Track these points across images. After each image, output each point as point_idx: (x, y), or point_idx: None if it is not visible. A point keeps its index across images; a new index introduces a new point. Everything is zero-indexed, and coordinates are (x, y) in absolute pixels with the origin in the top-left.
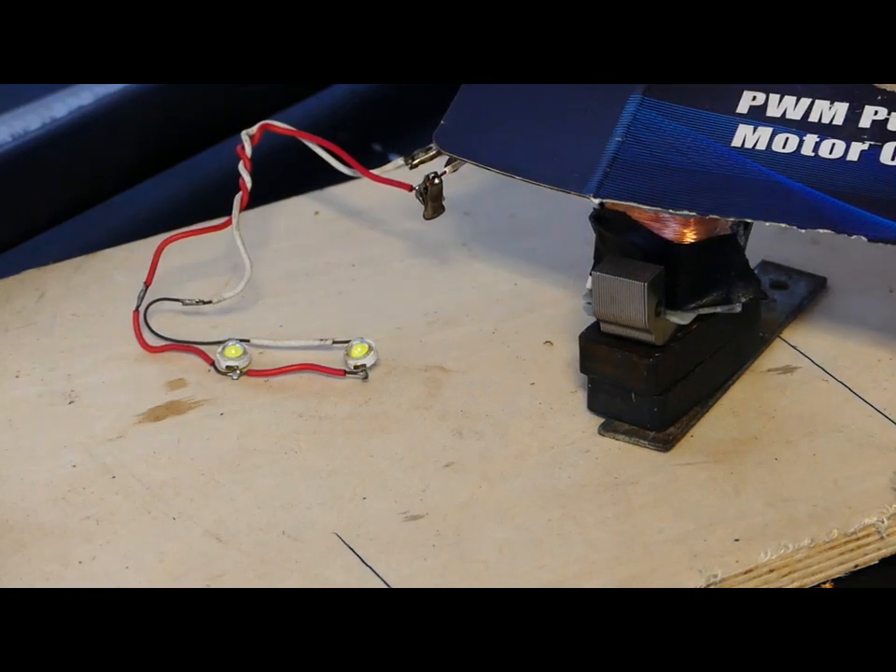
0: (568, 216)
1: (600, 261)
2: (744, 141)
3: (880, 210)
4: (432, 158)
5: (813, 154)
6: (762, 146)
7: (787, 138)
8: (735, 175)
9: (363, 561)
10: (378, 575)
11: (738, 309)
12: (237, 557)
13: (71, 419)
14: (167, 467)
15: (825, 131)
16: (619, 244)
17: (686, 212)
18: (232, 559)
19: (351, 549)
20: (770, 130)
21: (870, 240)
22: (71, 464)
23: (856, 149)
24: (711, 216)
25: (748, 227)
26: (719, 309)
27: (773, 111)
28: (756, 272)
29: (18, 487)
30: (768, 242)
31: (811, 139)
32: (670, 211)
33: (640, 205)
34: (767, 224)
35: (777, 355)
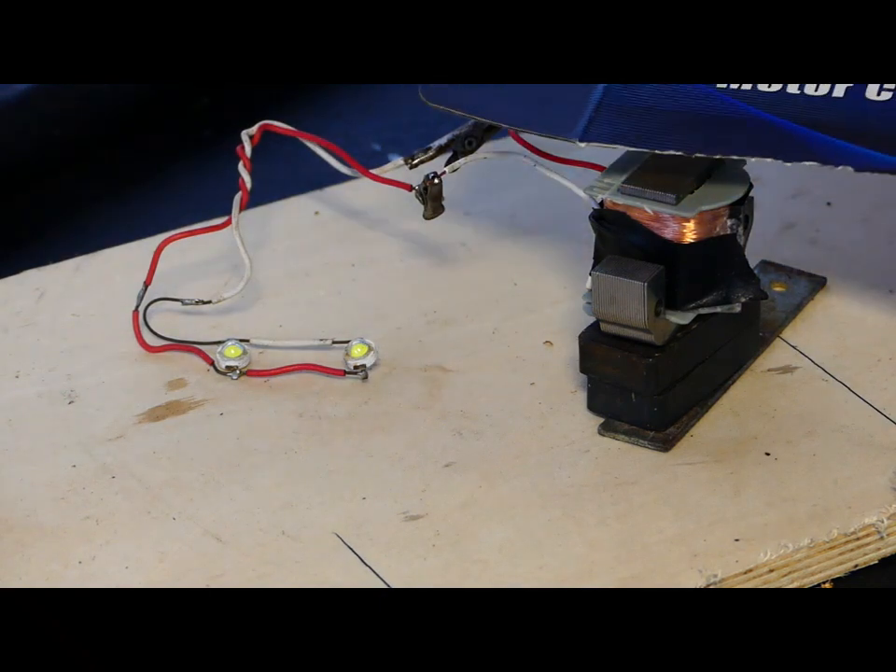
0: (568, 216)
1: (600, 261)
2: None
3: (866, 142)
4: (432, 158)
5: (798, 91)
6: (747, 86)
7: None
8: (720, 115)
9: (363, 561)
10: (378, 575)
11: (738, 309)
12: (237, 557)
13: (71, 419)
14: (167, 467)
15: None
16: (619, 243)
17: (672, 151)
18: (232, 559)
19: (351, 549)
20: None
21: (856, 170)
22: (71, 464)
23: (841, 86)
24: (698, 154)
25: (747, 227)
26: (718, 309)
27: None
28: (756, 272)
29: (18, 487)
30: (768, 242)
31: None
32: (656, 151)
33: (627, 147)
34: (754, 160)
35: (776, 355)
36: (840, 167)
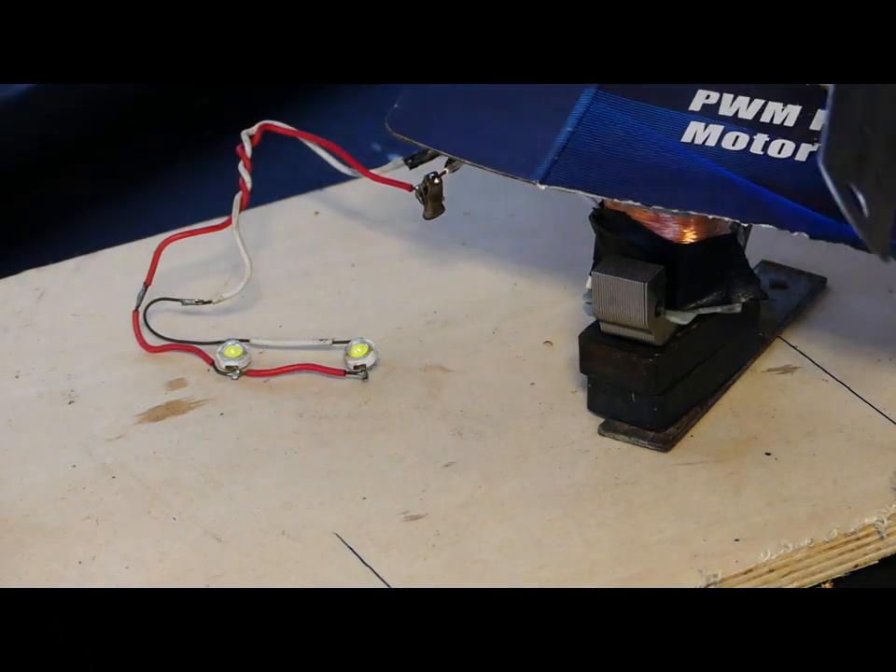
0: (568, 216)
1: (600, 261)
2: (694, 137)
3: (824, 209)
4: (432, 158)
5: (762, 153)
6: (711, 142)
7: (737, 136)
8: (681, 169)
9: (363, 561)
10: (378, 575)
11: (738, 309)
12: (237, 557)
13: (71, 419)
14: (167, 467)
15: (776, 131)
16: (619, 243)
17: (630, 202)
18: (232, 559)
19: (351, 549)
20: (721, 128)
21: (811, 237)
22: (71, 464)
23: (805, 150)
24: (655, 207)
25: (748, 227)
26: (719, 309)
27: (725, 110)
28: (756, 272)
29: (18, 487)
30: (768, 242)
31: (761, 138)
32: (614, 200)
33: (584, 193)
34: (711, 217)
35: (776, 355)
36: (796, 233)
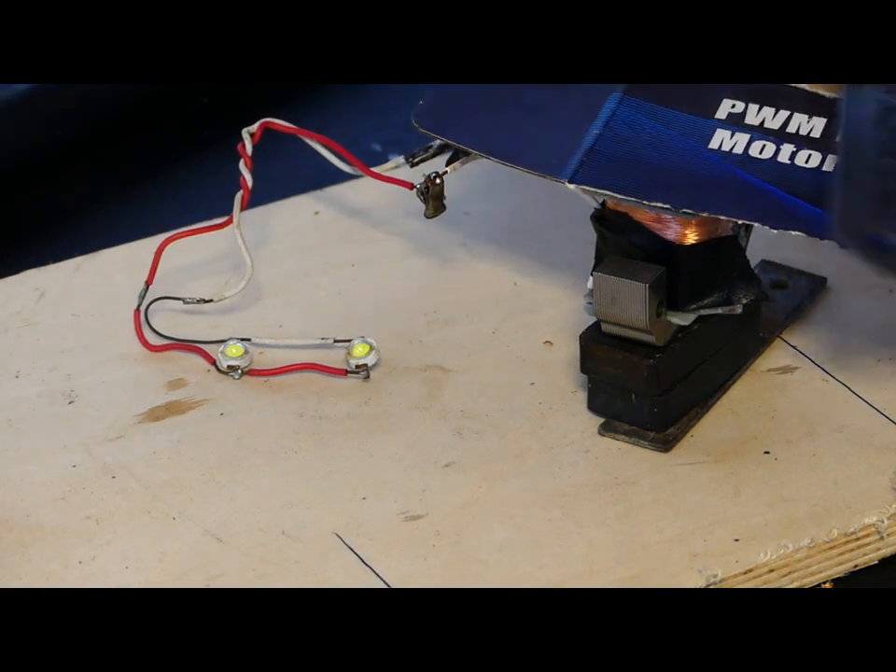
0: (569, 216)
1: (601, 262)
2: (721, 144)
3: None
4: (433, 156)
5: (789, 162)
6: (738, 150)
7: (763, 145)
8: (710, 175)
9: (363, 561)
10: (378, 575)
11: (739, 310)
12: (237, 557)
13: (71, 419)
14: (167, 467)
15: (802, 142)
16: (620, 244)
17: (660, 205)
18: (232, 559)
19: (351, 549)
20: (748, 136)
21: (841, 247)
22: (71, 464)
23: (832, 161)
24: (685, 210)
25: (749, 228)
26: (720, 310)
27: (751, 119)
28: (756, 272)
29: (18, 487)
30: (768, 242)
31: (788, 148)
32: (644, 203)
33: (615, 195)
34: (740, 222)
35: (777, 355)
36: (826, 241)
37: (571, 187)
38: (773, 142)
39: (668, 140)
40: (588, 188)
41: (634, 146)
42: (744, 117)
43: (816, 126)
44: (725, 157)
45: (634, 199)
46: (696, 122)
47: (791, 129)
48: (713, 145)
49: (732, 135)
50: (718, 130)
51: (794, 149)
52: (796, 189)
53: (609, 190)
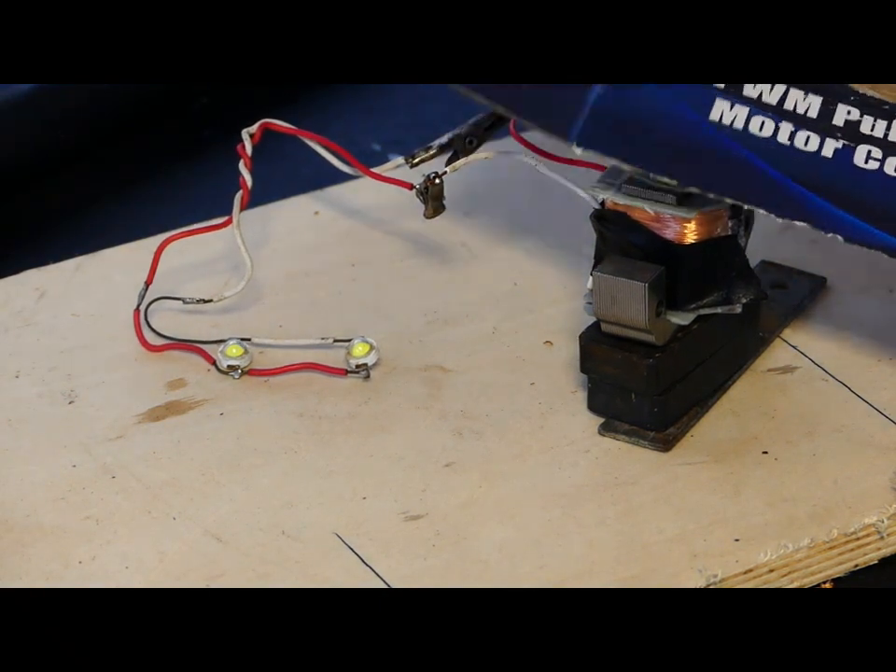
0: (568, 215)
1: (601, 261)
2: (721, 116)
3: (857, 212)
4: (433, 157)
5: (789, 143)
6: (739, 124)
7: (763, 121)
8: (715, 151)
9: (363, 561)
10: (378, 575)
11: (739, 310)
12: (237, 557)
13: (71, 419)
14: (167, 467)
15: (800, 121)
16: (620, 243)
17: (667, 179)
18: (232, 559)
19: (351, 549)
20: (747, 109)
21: (846, 240)
22: (71, 464)
23: (830, 146)
24: (691, 187)
25: (748, 228)
26: (719, 309)
27: (749, 91)
28: (756, 272)
29: (18, 487)
30: (768, 242)
31: (787, 127)
32: (651, 175)
33: (622, 163)
34: (745, 208)
35: (777, 355)
36: (830, 234)
37: (578, 151)
38: (772, 118)
39: (670, 103)
40: (595, 153)
41: (635, 108)
42: (742, 88)
43: (812, 105)
44: (727, 132)
45: (641, 167)
46: (695, 89)
47: (788, 106)
48: (714, 116)
49: (731, 107)
50: (717, 99)
51: (793, 129)
52: (801, 177)
53: (614, 157)
